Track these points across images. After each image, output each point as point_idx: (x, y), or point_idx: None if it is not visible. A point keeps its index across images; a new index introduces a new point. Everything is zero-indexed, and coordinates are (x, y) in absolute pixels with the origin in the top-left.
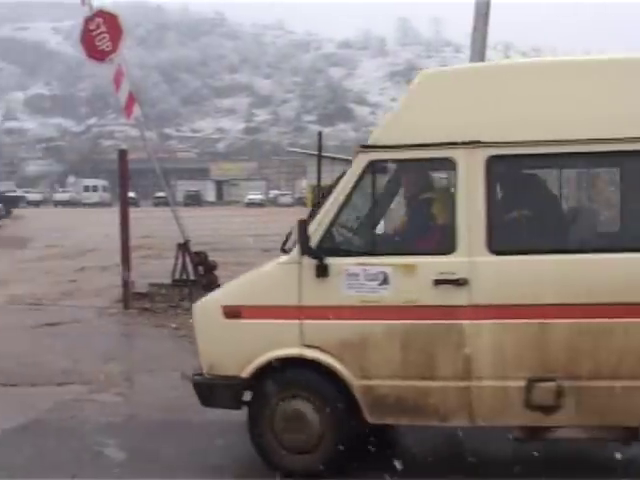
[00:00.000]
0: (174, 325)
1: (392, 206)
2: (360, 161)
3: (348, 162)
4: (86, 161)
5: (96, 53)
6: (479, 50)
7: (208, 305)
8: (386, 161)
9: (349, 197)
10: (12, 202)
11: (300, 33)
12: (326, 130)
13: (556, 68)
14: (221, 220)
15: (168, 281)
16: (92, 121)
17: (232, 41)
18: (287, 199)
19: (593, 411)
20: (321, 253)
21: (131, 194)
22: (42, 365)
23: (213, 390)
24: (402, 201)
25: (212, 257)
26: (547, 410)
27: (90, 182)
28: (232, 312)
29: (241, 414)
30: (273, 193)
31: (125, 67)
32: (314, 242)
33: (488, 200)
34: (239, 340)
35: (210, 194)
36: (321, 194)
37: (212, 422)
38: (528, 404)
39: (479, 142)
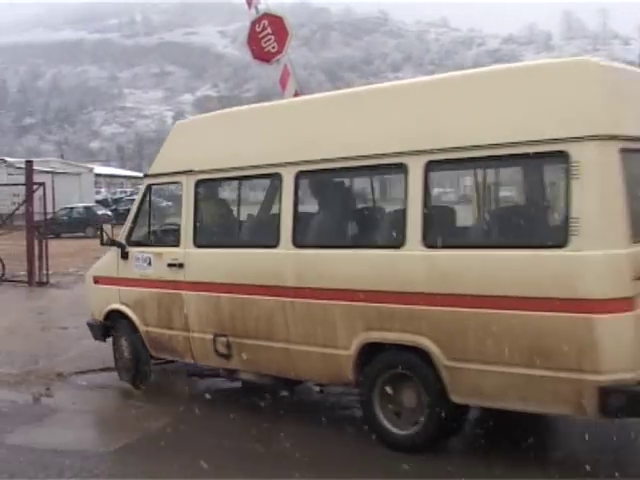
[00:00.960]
0: None
1: (158, 213)
2: (143, 184)
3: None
4: None
5: (263, 55)
6: None
7: (88, 275)
8: (155, 184)
9: (138, 209)
10: None
11: (464, 30)
12: None
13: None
14: None
15: None
16: None
17: (395, 39)
18: None
19: (251, 361)
20: (124, 244)
21: None
22: None
23: (93, 328)
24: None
25: None
26: (225, 357)
27: None
28: (95, 280)
29: None
30: None
31: (291, 68)
32: (122, 237)
33: (195, 212)
34: (98, 297)
35: None
36: None
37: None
38: (216, 351)
39: (192, 171)
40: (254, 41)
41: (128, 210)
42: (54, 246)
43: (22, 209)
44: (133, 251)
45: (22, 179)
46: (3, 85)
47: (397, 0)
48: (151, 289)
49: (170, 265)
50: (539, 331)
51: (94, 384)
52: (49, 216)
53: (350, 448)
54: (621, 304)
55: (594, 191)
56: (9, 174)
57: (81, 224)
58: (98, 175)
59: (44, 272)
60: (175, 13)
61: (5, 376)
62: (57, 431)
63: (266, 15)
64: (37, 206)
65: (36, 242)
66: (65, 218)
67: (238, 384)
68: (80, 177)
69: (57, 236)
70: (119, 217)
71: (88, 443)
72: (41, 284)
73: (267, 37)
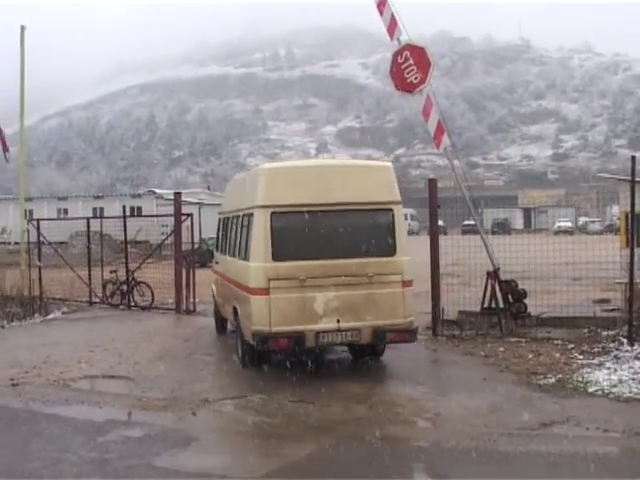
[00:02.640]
0: (483, 353)
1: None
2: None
3: None
4: None
5: (405, 85)
6: None
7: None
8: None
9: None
10: None
11: (608, 55)
12: (638, 154)
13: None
14: (529, 248)
15: (477, 309)
16: (400, 151)
17: (538, 67)
18: (597, 226)
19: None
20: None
21: (440, 222)
22: (351, 388)
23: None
24: None
25: (521, 285)
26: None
27: None
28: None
29: None
30: (582, 220)
31: (433, 97)
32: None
33: (218, 232)
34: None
35: (518, 222)
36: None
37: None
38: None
39: (222, 212)
40: (397, 72)
41: None
42: (200, 275)
43: (170, 239)
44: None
45: (171, 210)
46: (153, 120)
47: (538, 27)
48: (215, 275)
49: (215, 262)
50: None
51: (239, 409)
52: (196, 246)
53: None
54: (260, 291)
55: None
56: (158, 205)
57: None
58: None
59: (191, 300)
60: (317, 46)
61: (153, 400)
62: (203, 455)
63: (408, 46)
64: (184, 236)
65: (183, 271)
66: (211, 247)
67: None
68: None
69: (203, 265)
70: None
71: (234, 468)
72: (188, 312)
73: (409, 68)
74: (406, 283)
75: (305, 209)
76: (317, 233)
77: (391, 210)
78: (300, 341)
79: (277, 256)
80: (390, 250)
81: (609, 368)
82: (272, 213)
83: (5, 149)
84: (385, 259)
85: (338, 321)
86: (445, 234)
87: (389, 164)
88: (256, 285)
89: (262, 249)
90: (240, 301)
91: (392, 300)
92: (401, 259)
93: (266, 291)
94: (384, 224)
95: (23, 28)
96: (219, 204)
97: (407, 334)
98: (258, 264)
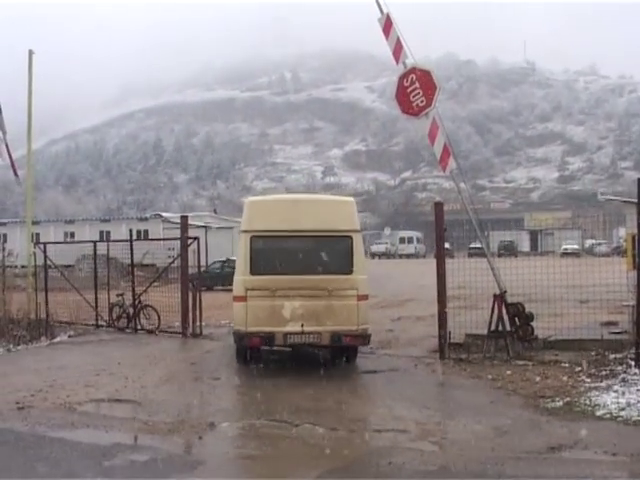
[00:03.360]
0: (490, 376)
1: None
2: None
3: None
4: (401, 213)
5: (411, 108)
6: None
7: None
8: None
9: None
10: None
11: (613, 77)
12: None
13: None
14: (536, 270)
15: (484, 332)
16: (406, 174)
17: (543, 89)
18: (603, 249)
19: None
20: None
21: (446, 245)
22: (359, 411)
23: None
24: None
25: (528, 308)
26: None
27: (405, 234)
28: None
29: None
30: (589, 242)
31: (439, 121)
32: None
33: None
34: None
35: (525, 244)
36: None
37: None
38: None
39: (246, 230)
40: (403, 95)
41: None
42: (207, 298)
43: (177, 262)
44: None
45: (177, 233)
46: (159, 144)
47: (544, 49)
48: None
49: None
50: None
51: (245, 433)
52: (202, 269)
53: None
54: (240, 298)
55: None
56: (165, 228)
57: (233, 277)
58: None
59: (197, 324)
60: (323, 70)
61: (159, 424)
62: None
63: (414, 69)
64: (191, 259)
65: (190, 294)
66: (218, 271)
67: None
68: (232, 231)
69: (210, 289)
70: None
71: None
72: (195, 335)
73: (415, 91)
74: (361, 297)
75: (278, 234)
76: (288, 254)
77: (350, 237)
78: (270, 340)
79: (254, 271)
80: (348, 270)
81: (617, 391)
82: (252, 237)
83: (15, 172)
84: (343, 277)
85: (302, 325)
86: (452, 257)
87: (351, 199)
88: (237, 294)
89: (242, 266)
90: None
91: (347, 310)
92: (357, 277)
93: (244, 298)
94: (344, 248)
95: (31, 52)
96: (225, 227)
97: (360, 339)
98: (239, 277)
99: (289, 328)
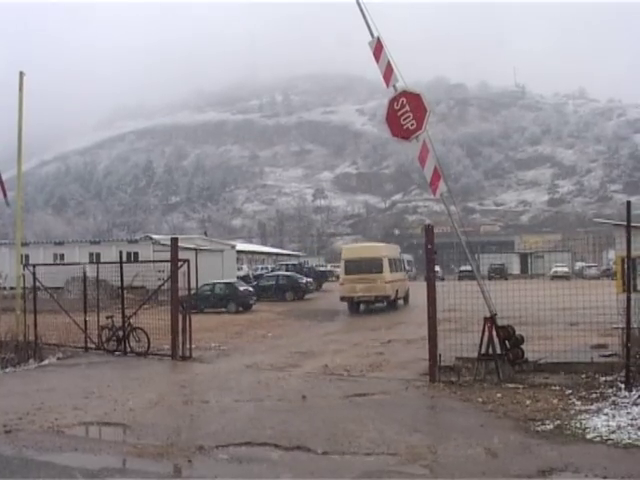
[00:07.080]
0: (481, 399)
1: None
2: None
3: None
4: (391, 236)
5: (401, 132)
6: None
7: None
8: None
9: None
10: (322, 276)
11: (602, 100)
12: (633, 199)
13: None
14: (526, 293)
15: (474, 355)
16: (397, 197)
17: (533, 112)
18: (593, 271)
19: None
20: None
21: (436, 268)
22: (350, 434)
23: None
24: None
25: (518, 331)
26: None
27: None
28: None
29: None
30: (578, 265)
31: (429, 144)
32: None
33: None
34: None
35: (515, 267)
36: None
37: None
38: None
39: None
40: (393, 119)
41: (270, 286)
42: (197, 321)
43: (167, 284)
44: None
45: (167, 255)
46: (150, 166)
47: (534, 73)
48: None
49: None
50: None
51: (235, 457)
52: (192, 291)
53: None
54: (342, 283)
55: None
56: (155, 250)
57: (223, 299)
58: (240, 252)
59: (187, 346)
60: (314, 93)
61: (148, 447)
62: None
63: (404, 93)
64: (181, 281)
65: (180, 317)
66: (208, 293)
67: None
68: (223, 254)
69: (200, 311)
70: (261, 293)
71: None
72: (184, 358)
73: (406, 114)
74: (386, 281)
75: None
76: (357, 265)
77: (381, 259)
78: (351, 300)
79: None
80: (380, 271)
81: (607, 414)
82: (345, 260)
83: (4, 194)
84: (379, 274)
85: (362, 293)
86: (442, 279)
87: (383, 244)
88: (341, 282)
89: (343, 272)
90: None
91: (381, 286)
92: (385, 274)
93: (343, 284)
94: (379, 263)
95: (22, 74)
96: (216, 250)
97: (387, 297)
98: (341, 275)
99: (358, 294)
